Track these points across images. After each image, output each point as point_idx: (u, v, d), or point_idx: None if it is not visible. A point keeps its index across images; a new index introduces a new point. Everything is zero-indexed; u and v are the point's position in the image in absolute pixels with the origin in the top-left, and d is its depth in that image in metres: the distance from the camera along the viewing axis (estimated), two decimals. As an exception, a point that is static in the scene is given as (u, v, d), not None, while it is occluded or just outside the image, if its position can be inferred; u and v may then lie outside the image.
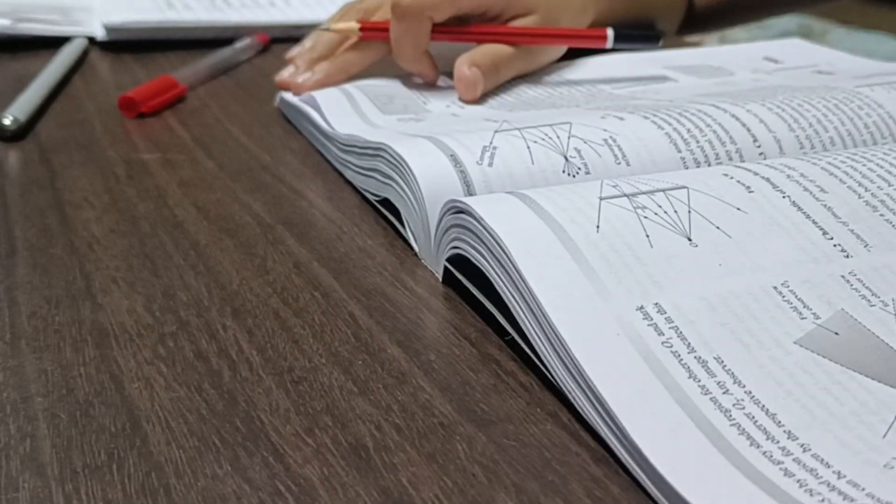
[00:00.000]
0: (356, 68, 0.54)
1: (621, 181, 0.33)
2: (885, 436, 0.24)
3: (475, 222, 0.31)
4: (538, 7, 0.54)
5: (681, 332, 0.27)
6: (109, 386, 0.28)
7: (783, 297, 0.29)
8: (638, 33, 0.54)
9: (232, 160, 0.47)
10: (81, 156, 0.47)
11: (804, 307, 0.28)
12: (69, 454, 0.25)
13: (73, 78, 0.61)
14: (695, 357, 0.26)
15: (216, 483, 0.24)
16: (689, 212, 0.31)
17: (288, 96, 0.53)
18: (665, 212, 0.31)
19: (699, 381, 0.26)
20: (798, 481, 0.23)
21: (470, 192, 0.36)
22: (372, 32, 0.53)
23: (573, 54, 0.58)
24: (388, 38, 0.51)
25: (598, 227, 0.30)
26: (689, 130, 0.40)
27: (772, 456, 0.23)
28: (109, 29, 0.68)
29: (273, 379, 0.29)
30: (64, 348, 0.30)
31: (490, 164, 0.37)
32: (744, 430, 0.24)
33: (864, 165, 0.34)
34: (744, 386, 0.26)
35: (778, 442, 0.24)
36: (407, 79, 0.53)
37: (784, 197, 0.33)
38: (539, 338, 0.28)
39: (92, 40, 0.68)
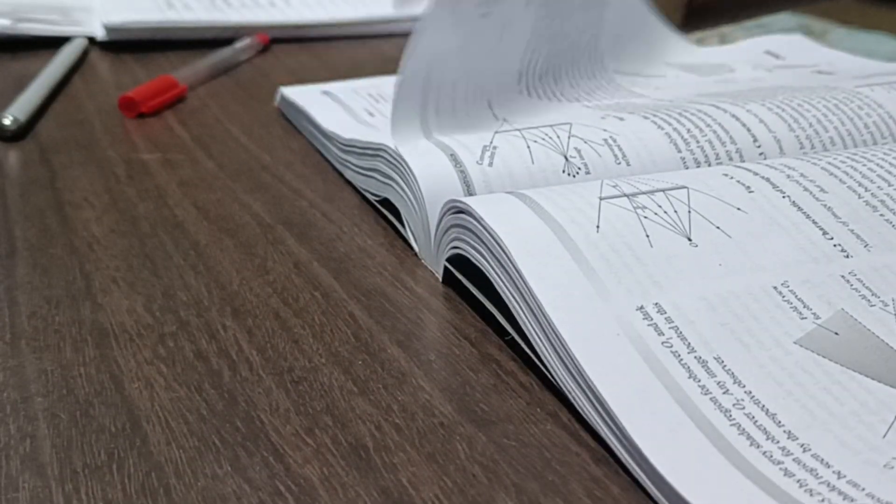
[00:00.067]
0: None
1: (621, 181, 0.33)
2: (885, 436, 0.24)
3: (475, 222, 0.31)
4: None
5: (681, 332, 0.27)
6: (109, 386, 0.28)
7: (783, 297, 0.29)
8: None
9: (232, 160, 0.47)
10: (81, 156, 0.47)
11: (804, 307, 0.28)
12: (69, 454, 0.25)
13: (73, 78, 0.61)
14: (695, 357, 0.26)
15: (216, 483, 0.24)
16: (689, 212, 0.31)
17: (288, 96, 0.53)
18: (665, 212, 0.31)
19: (699, 381, 0.26)
20: (798, 481, 0.23)
21: (470, 191, 0.36)
22: None
23: None
24: None
25: (598, 227, 0.30)
26: (689, 130, 0.40)
27: (772, 456, 0.23)
28: (109, 29, 0.68)
29: (273, 379, 0.29)
30: (64, 348, 0.30)
31: (490, 164, 0.37)
32: (744, 430, 0.24)
33: (864, 165, 0.34)
34: (744, 386, 0.26)
35: (778, 442, 0.24)
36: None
37: (784, 197, 0.33)
38: (539, 338, 0.28)
39: (92, 40, 0.68)
